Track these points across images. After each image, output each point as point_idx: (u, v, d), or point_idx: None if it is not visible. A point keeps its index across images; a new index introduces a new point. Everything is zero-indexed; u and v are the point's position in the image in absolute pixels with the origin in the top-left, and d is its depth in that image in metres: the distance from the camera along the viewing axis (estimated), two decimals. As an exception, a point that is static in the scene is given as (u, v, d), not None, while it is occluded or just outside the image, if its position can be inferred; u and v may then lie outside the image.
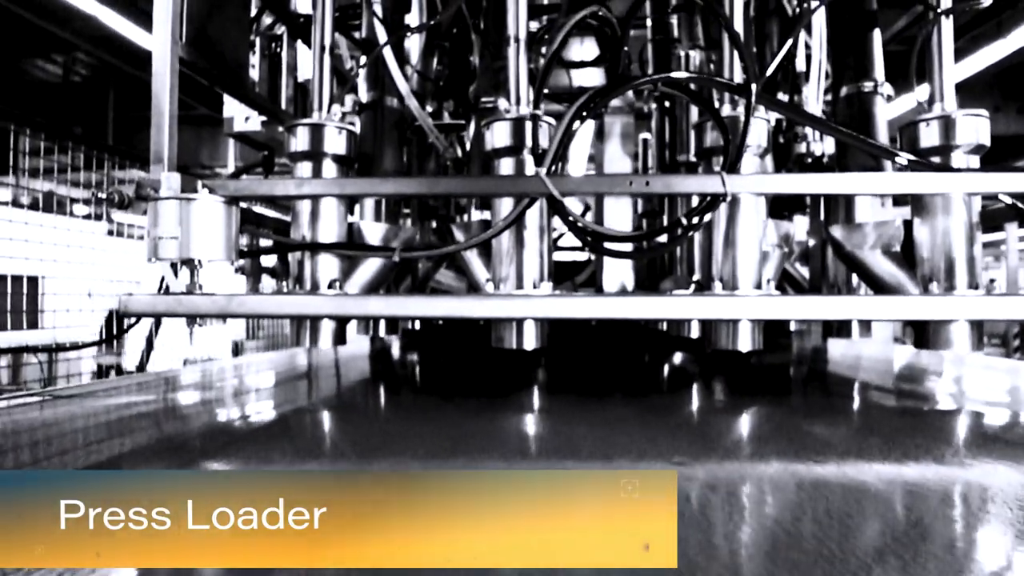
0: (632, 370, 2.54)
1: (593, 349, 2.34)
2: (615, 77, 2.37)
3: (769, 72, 2.13)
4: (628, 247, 2.13)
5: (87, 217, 5.91)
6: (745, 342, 1.91)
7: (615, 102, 2.74)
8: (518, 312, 1.86)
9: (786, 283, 2.60)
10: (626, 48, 2.44)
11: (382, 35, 2.33)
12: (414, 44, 2.70)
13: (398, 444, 1.49)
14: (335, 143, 2.05)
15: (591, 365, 2.56)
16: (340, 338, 2.07)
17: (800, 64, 2.62)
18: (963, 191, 1.90)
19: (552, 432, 1.70)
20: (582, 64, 3.00)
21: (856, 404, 1.98)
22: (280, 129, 2.93)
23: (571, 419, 1.75)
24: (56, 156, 5.14)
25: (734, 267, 1.95)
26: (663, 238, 2.33)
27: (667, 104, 3.02)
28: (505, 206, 2.00)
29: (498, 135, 2.00)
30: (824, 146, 2.60)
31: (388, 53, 2.29)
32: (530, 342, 1.95)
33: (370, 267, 2.12)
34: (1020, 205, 2.03)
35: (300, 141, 2.05)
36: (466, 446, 1.49)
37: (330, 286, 2.03)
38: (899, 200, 2.39)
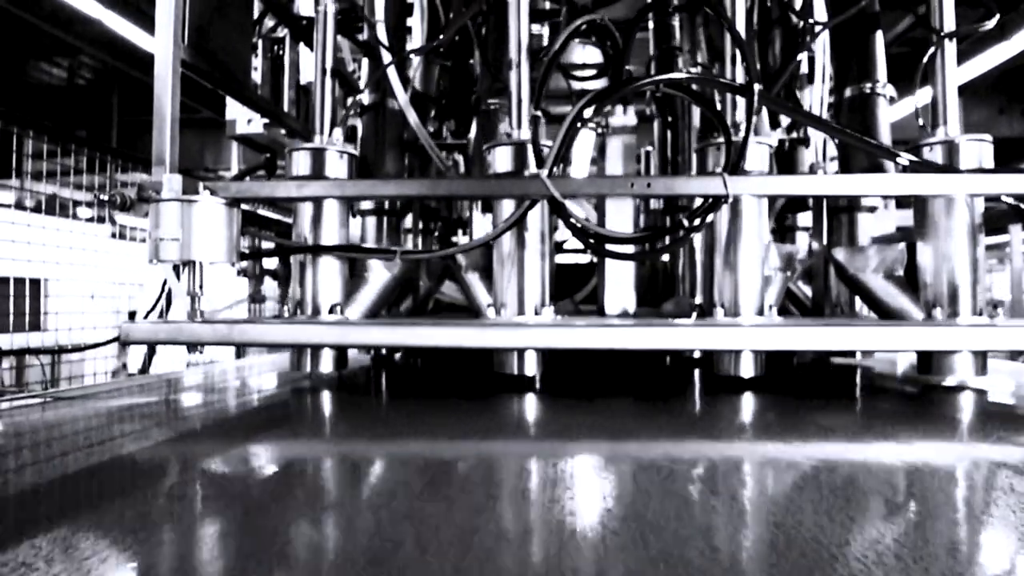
0: (630, 369, 2.54)
1: (593, 354, 2.34)
2: (617, 79, 2.38)
3: (775, 89, 2.14)
4: (630, 249, 2.13)
5: (90, 220, 5.93)
6: (747, 369, 1.93)
7: (616, 122, 2.75)
8: (520, 342, 1.88)
9: (789, 301, 2.60)
10: (628, 67, 2.45)
11: (386, 56, 2.33)
12: (416, 36, 2.71)
13: (402, 438, 1.49)
14: (336, 168, 2.05)
15: (590, 368, 2.56)
16: (341, 362, 2.08)
17: (802, 66, 2.62)
18: (966, 192, 1.90)
19: (552, 424, 1.70)
20: (584, 70, 3.00)
21: (846, 404, 1.98)
22: (282, 132, 2.94)
23: (570, 416, 1.75)
24: (60, 159, 5.16)
25: (736, 292, 1.95)
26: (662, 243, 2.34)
27: (669, 119, 3.03)
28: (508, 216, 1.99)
29: (500, 159, 2.01)
30: (828, 165, 2.61)
31: (392, 72, 2.30)
32: (531, 368, 1.97)
33: (372, 289, 2.13)
34: (1023, 207, 2.03)
35: (301, 166, 2.05)
36: (468, 434, 1.51)
37: (331, 311, 2.03)
38: (901, 203, 2.39)
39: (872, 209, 2.30)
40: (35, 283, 5.61)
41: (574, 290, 3.06)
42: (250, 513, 1.02)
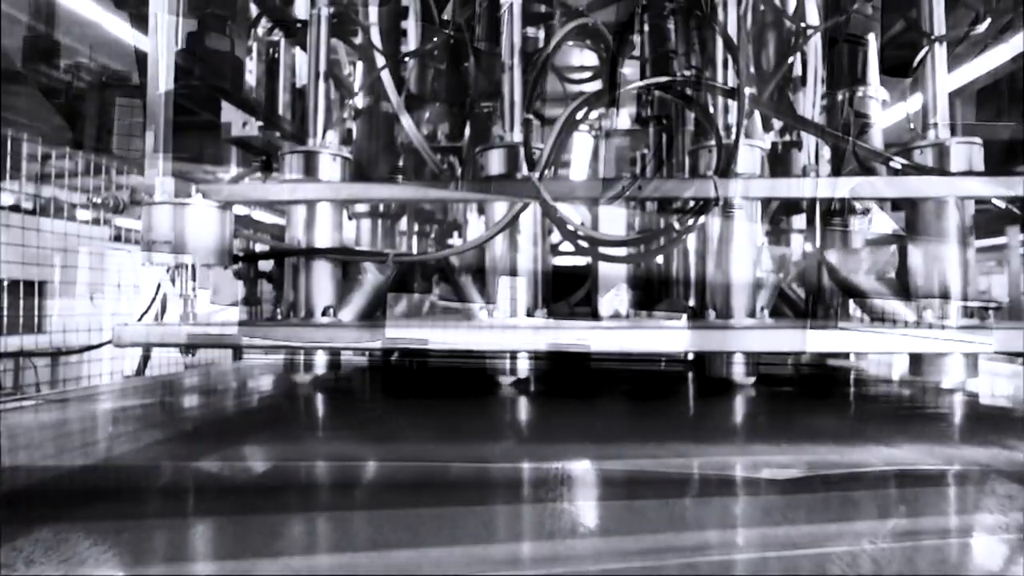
0: (625, 371, 2.54)
1: (587, 356, 2.35)
2: (610, 81, 2.37)
3: (767, 93, 2.14)
4: (622, 251, 2.13)
5: (84, 222, 5.92)
6: (740, 370, 1.94)
7: (609, 124, 2.74)
8: (511, 344, 1.88)
9: (782, 303, 2.60)
10: (623, 70, 2.45)
11: (380, 59, 2.34)
12: (411, 39, 2.70)
13: (401, 437, 1.50)
14: (330, 170, 2.06)
15: (584, 370, 2.56)
16: (335, 364, 2.09)
17: (795, 69, 2.62)
18: (956, 194, 1.90)
19: (542, 426, 1.70)
20: (578, 73, 3.00)
21: (837, 406, 1.98)
22: (277, 135, 2.93)
23: (560, 418, 1.75)
24: (60, 162, 5.16)
25: (728, 294, 1.96)
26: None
27: (664, 122, 3.02)
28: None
29: (492, 162, 2.01)
30: (822, 169, 2.61)
31: (386, 75, 2.30)
32: (524, 370, 1.98)
33: (366, 292, 2.14)
34: (1015, 210, 2.02)
35: (295, 168, 2.06)
36: (462, 432, 1.52)
37: (324, 313, 2.03)
38: (896, 205, 2.39)
39: (865, 211, 2.30)
40: (32, 285, 5.61)
41: (571, 292, 3.06)
42: (230, 512, 1.02)
